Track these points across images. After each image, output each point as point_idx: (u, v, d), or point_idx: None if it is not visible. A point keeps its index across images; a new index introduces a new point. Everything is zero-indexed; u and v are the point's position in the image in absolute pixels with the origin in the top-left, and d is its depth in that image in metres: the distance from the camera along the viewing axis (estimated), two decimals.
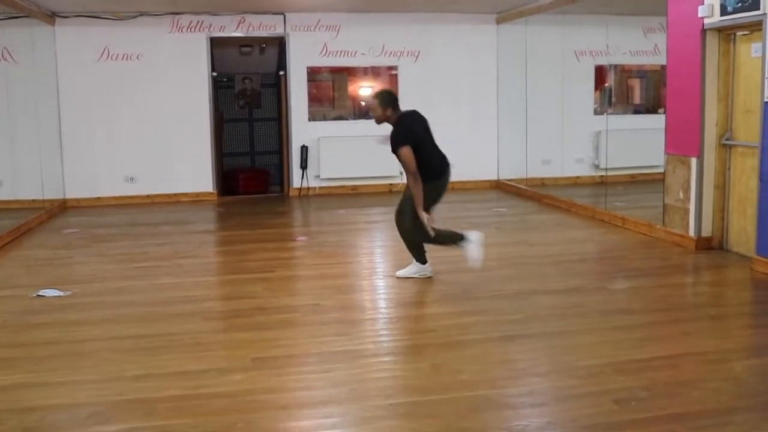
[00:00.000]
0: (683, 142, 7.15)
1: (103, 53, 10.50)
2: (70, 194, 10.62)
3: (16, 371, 4.15)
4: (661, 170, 7.60)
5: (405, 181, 5.88)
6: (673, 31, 7.30)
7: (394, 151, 5.68)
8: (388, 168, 11.31)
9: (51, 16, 10.16)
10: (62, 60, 10.43)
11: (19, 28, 9.31)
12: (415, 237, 5.87)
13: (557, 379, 3.90)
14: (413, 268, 6.06)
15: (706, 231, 6.99)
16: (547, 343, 4.53)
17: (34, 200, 9.50)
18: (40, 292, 5.78)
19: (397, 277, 6.04)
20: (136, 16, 10.51)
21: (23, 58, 9.38)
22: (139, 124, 10.72)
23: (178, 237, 8.28)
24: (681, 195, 7.18)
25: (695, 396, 3.67)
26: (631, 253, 7.05)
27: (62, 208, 10.32)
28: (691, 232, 7.04)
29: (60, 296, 5.72)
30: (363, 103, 11.66)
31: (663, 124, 7.52)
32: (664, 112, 7.67)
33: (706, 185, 6.94)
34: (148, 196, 10.83)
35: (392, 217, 6.08)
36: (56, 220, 9.45)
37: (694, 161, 7.02)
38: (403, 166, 5.74)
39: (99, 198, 10.69)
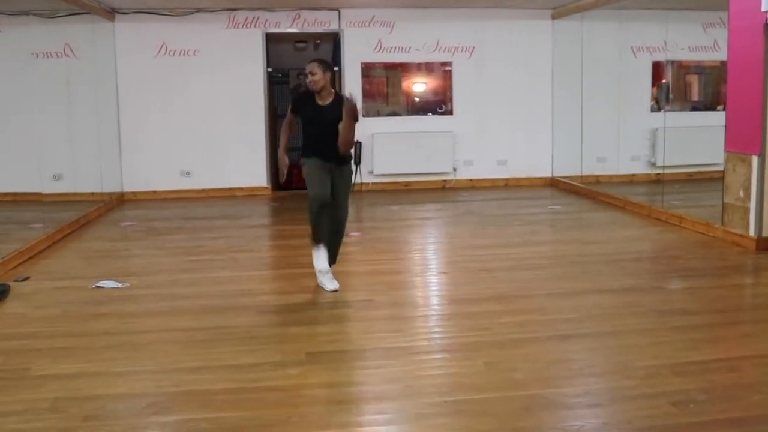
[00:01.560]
0: (744, 139, 7.00)
1: (160, 49, 10.66)
2: (128, 188, 10.80)
3: (77, 360, 4.24)
4: (720, 168, 7.45)
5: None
6: (734, 26, 7.14)
7: (356, 117, 5.43)
8: (442, 164, 11.34)
9: (111, 13, 10.34)
10: (121, 55, 10.61)
11: (81, 24, 9.49)
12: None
13: (613, 380, 3.85)
14: (330, 278, 5.72)
15: (767, 231, 6.84)
16: (603, 342, 4.48)
17: (93, 193, 9.69)
18: (99, 284, 5.89)
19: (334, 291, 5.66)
20: (193, 13, 10.64)
21: (84, 54, 9.56)
22: (195, 119, 10.85)
23: (233, 231, 8.37)
24: (741, 194, 7.03)
25: (755, 400, 3.59)
26: (688, 252, 6.92)
27: (120, 201, 10.50)
28: (752, 232, 6.89)
29: (118, 288, 5.83)
30: (417, 100, 11.65)
31: (722, 122, 7.37)
32: (724, 109, 7.52)
33: (767, 184, 6.78)
34: (203, 190, 10.96)
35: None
36: (114, 213, 9.62)
37: (755, 159, 6.86)
38: (351, 131, 5.52)
39: (155, 191, 10.85)
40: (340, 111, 5.41)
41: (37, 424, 3.41)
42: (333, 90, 5.60)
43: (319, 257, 5.63)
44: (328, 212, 5.56)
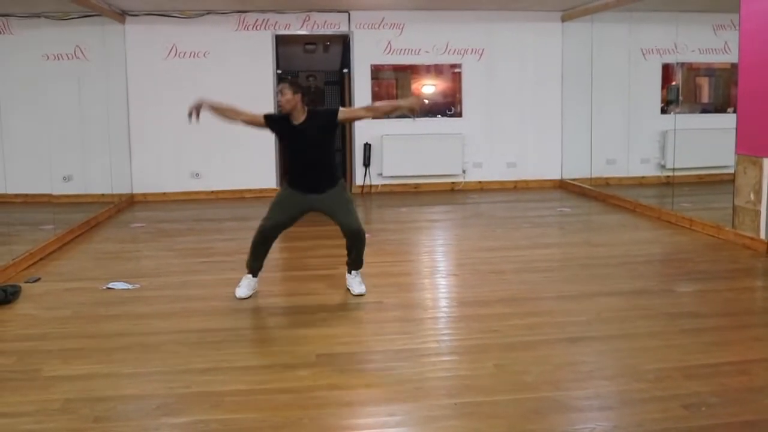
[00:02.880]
0: (755, 142, 6.98)
1: (171, 51, 10.70)
2: (138, 189, 10.84)
3: (88, 361, 4.26)
4: (731, 171, 7.43)
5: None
6: (745, 28, 7.12)
7: (335, 120, 5.40)
8: (451, 166, 11.34)
9: (121, 15, 10.38)
10: (131, 57, 10.65)
11: (91, 26, 9.53)
12: None
13: (624, 383, 3.85)
14: (359, 282, 5.71)
15: None
16: (613, 345, 4.47)
17: (103, 195, 9.73)
18: (110, 285, 5.91)
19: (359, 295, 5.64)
20: (203, 15, 10.67)
21: (94, 56, 9.60)
22: (205, 121, 10.82)
23: (243, 233, 8.32)
24: (752, 197, 7.01)
25: (767, 403, 3.58)
26: (698, 255, 6.91)
27: (130, 202, 10.53)
28: (762, 235, 6.87)
29: (128, 289, 5.85)
30: (426, 102, 11.65)
31: (732, 124, 7.35)
32: (734, 112, 7.49)
33: None
34: (212, 192, 10.99)
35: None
36: (124, 215, 9.66)
37: (766, 162, 6.85)
38: (354, 114, 5.72)
39: (165, 193, 10.88)
40: (318, 126, 5.36)
41: (49, 424, 3.42)
42: (305, 108, 5.40)
43: (241, 286, 5.60)
44: (342, 226, 5.47)
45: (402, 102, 5.70)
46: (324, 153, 5.46)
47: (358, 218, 5.54)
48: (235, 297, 5.53)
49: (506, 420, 3.41)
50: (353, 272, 5.71)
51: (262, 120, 5.51)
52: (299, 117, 5.36)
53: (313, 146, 5.37)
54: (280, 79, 5.45)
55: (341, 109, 5.52)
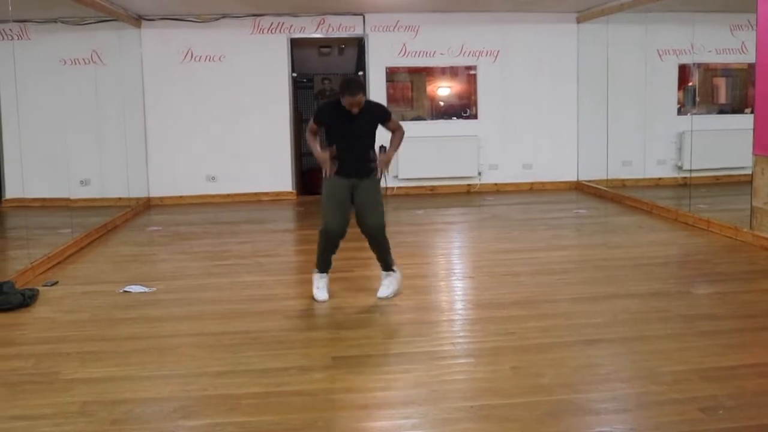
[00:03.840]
0: None
1: (186, 55, 10.74)
2: (154, 193, 10.89)
3: (105, 364, 4.28)
4: (748, 172, 7.38)
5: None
6: (763, 28, 7.08)
7: (385, 122, 5.59)
8: (467, 168, 11.33)
9: (137, 19, 10.44)
10: (147, 62, 10.70)
11: (108, 31, 9.60)
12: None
13: (640, 385, 3.83)
14: (394, 278, 5.71)
15: None
16: (629, 347, 4.45)
17: (120, 198, 9.79)
18: (127, 288, 5.94)
19: (384, 297, 5.60)
20: (218, 18, 10.71)
21: (111, 60, 9.66)
22: (221, 125, 10.92)
23: (259, 236, 8.41)
24: None
25: None
26: (716, 257, 6.87)
27: (146, 206, 10.59)
28: None
29: (145, 292, 5.88)
30: (442, 104, 11.65)
31: (750, 125, 7.31)
32: (752, 112, 7.45)
33: None
34: (228, 195, 11.02)
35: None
36: (141, 218, 9.71)
37: None
38: (394, 127, 5.69)
39: (181, 197, 10.93)
40: (372, 115, 5.48)
41: (67, 427, 3.44)
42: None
43: (317, 286, 5.61)
44: (363, 223, 5.51)
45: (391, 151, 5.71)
46: (369, 142, 5.59)
47: (382, 216, 5.55)
48: (315, 300, 5.53)
49: (522, 423, 3.40)
50: (384, 273, 5.69)
51: (316, 128, 5.59)
52: (357, 108, 5.41)
53: (361, 134, 5.49)
54: (349, 87, 5.40)
55: (393, 119, 5.65)
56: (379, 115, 5.58)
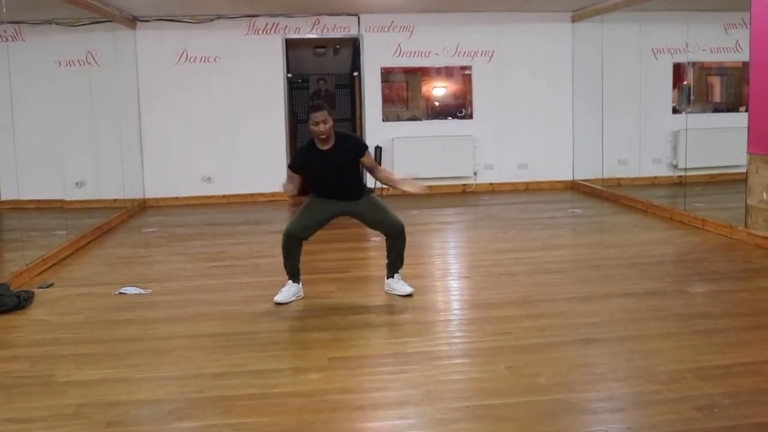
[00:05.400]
0: (767, 141, 6.94)
1: (181, 56, 10.73)
2: (150, 194, 10.88)
3: (100, 366, 4.27)
4: (743, 170, 7.39)
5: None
6: (757, 27, 7.09)
7: (362, 156, 5.43)
8: (462, 168, 11.34)
9: (132, 20, 10.42)
10: (142, 63, 10.69)
11: (103, 32, 9.58)
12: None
13: (636, 384, 3.83)
14: (403, 283, 5.76)
15: None
16: (625, 347, 4.45)
17: (115, 200, 9.77)
18: (122, 290, 5.93)
19: (407, 295, 5.62)
20: (213, 19, 10.71)
21: (106, 62, 9.65)
22: (216, 125, 10.92)
23: (254, 237, 8.40)
24: (765, 196, 6.97)
25: None
26: (711, 255, 6.88)
27: (142, 207, 10.57)
28: None
29: (141, 294, 5.87)
30: (437, 104, 11.65)
31: (744, 123, 7.32)
32: (746, 111, 7.46)
33: None
34: (224, 196, 11.02)
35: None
36: (136, 220, 9.69)
37: None
38: (370, 164, 5.54)
39: (177, 198, 10.92)
40: (347, 149, 5.37)
41: (62, 430, 3.43)
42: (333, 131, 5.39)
43: (282, 291, 5.56)
44: (385, 230, 5.56)
45: (407, 187, 5.67)
46: (353, 174, 5.50)
47: (397, 217, 5.60)
48: (276, 301, 5.49)
49: (518, 423, 3.40)
50: (394, 276, 5.68)
51: (295, 175, 5.54)
52: (329, 141, 5.32)
53: (341, 170, 5.38)
54: (312, 106, 5.30)
55: (368, 152, 5.52)
56: (353, 146, 5.46)
